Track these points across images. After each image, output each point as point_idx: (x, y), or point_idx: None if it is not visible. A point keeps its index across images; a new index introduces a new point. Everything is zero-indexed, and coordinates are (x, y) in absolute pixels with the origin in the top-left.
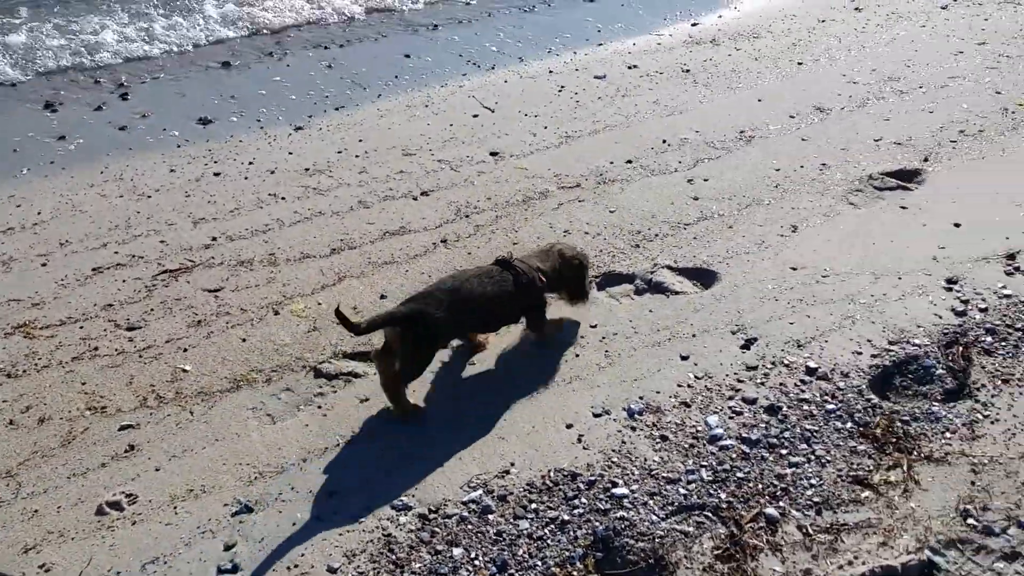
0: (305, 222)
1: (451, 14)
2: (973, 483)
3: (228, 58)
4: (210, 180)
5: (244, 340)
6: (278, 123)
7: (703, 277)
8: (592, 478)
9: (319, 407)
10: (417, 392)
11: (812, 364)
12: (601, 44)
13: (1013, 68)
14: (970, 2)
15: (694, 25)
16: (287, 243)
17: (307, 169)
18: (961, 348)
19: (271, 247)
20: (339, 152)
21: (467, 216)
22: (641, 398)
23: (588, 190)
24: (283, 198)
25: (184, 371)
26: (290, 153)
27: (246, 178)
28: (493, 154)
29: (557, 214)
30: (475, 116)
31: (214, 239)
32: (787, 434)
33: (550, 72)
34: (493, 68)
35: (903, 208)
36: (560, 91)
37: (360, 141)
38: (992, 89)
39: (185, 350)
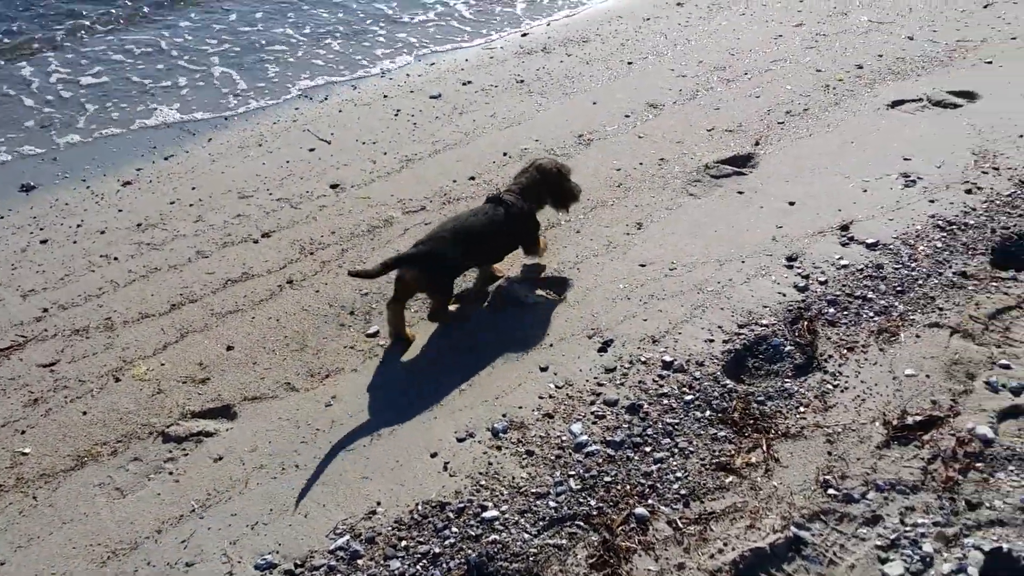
0: (141, 280)
1: (282, 43)
2: (830, 453)
3: (44, 121)
4: (37, 249)
5: (85, 413)
6: (104, 180)
7: (555, 285)
8: (461, 505)
9: (170, 473)
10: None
11: (668, 358)
12: (433, 64)
13: (830, 46)
14: None
15: (524, 35)
16: (123, 305)
17: (139, 224)
18: (806, 323)
19: (107, 311)
20: (172, 203)
21: (312, 253)
22: (504, 416)
23: (434, 212)
24: (116, 258)
25: (23, 454)
26: (120, 210)
27: (75, 242)
28: (333, 187)
29: (405, 240)
30: (311, 150)
31: (45, 310)
32: (650, 431)
33: (385, 97)
34: (326, 99)
35: (740, 193)
36: (396, 115)
37: (193, 189)
38: (813, 68)
39: (23, 432)
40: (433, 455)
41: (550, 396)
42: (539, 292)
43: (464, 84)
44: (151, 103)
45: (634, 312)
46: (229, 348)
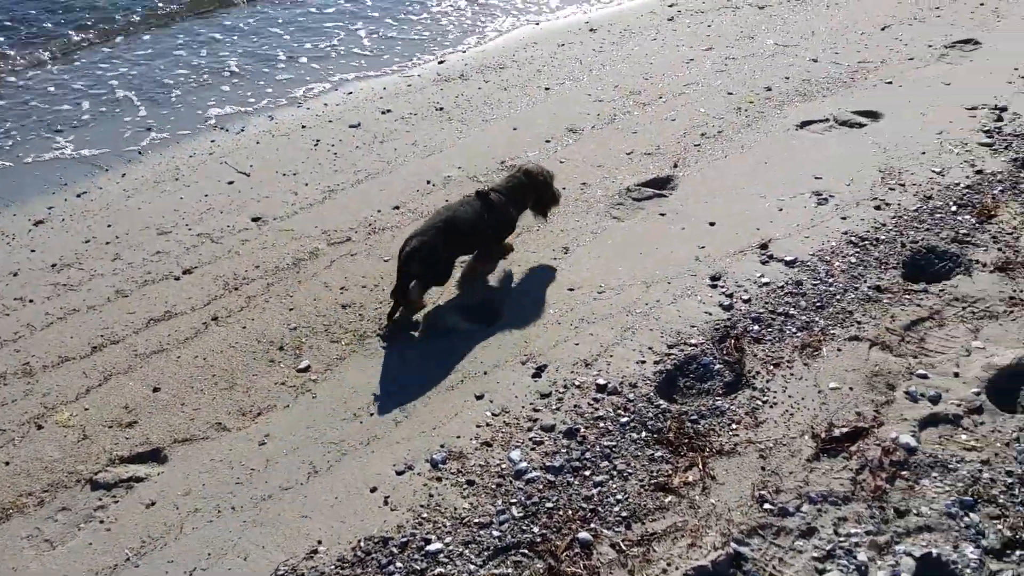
0: (59, 323)
1: (188, 74)
2: (763, 468)
3: None
4: None
5: (7, 463)
6: (14, 219)
7: (486, 314)
8: (404, 539)
9: (101, 521)
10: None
11: (602, 381)
12: (351, 93)
13: (739, 69)
14: (692, 12)
15: (441, 63)
16: (42, 349)
17: (54, 265)
18: (733, 341)
19: (24, 356)
20: (87, 241)
21: (236, 288)
22: (443, 446)
23: (359, 242)
24: (31, 300)
25: None
26: (32, 251)
27: None
28: (255, 220)
29: (331, 272)
30: (230, 183)
31: None
32: (588, 455)
33: (303, 127)
34: (243, 130)
35: (662, 215)
36: (316, 145)
37: (109, 226)
38: (724, 91)
39: None
40: (373, 489)
41: (487, 424)
42: (470, 320)
43: (384, 113)
44: (58, 138)
45: (566, 336)
46: (155, 390)
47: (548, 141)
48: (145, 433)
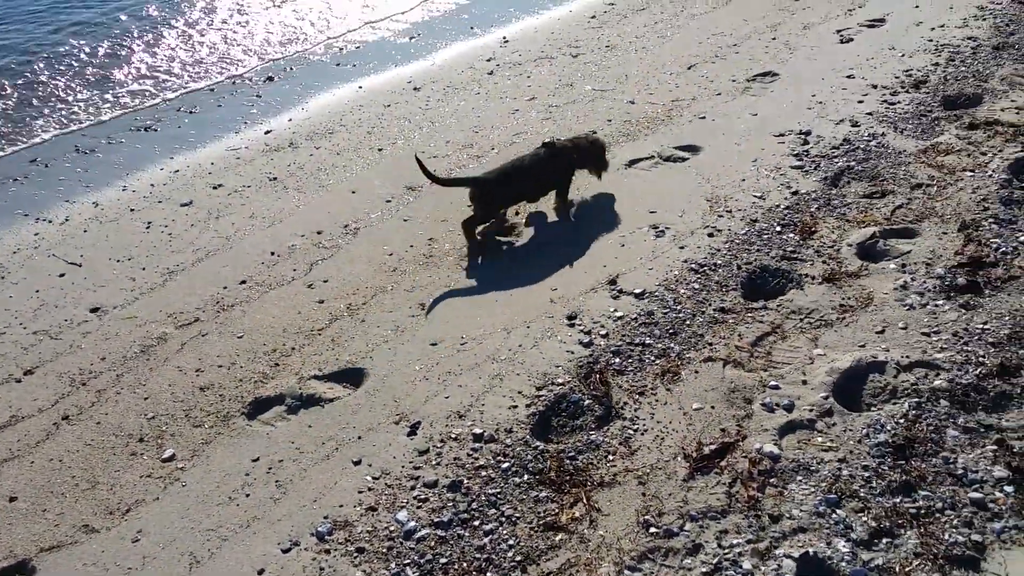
0: None
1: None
2: (644, 494)
3: None
4: None
5: None
6: None
7: (352, 377)
8: None
9: None
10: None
11: (477, 430)
12: (177, 171)
13: (563, 116)
14: (511, 64)
15: (267, 133)
16: None
17: None
18: (597, 375)
19: None
20: None
21: (84, 384)
22: (326, 518)
23: (209, 322)
24: None
25: None
26: None
27: None
28: (94, 310)
29: (183, 356)
30: (62, 275)
31: None
32: (475, 505)
33: (132, 210)
34: (67, 220)
35: (512, 260)
36: (148, 227)
37: None
38: (551, 137)
39: None
40: (260, 572)
41: (369, 489)
42: (335, 386)
43: (215, 188)
44: None
45: (435, 391)
46: (12, 499)
47: (389, 201)
48: (8, 546)
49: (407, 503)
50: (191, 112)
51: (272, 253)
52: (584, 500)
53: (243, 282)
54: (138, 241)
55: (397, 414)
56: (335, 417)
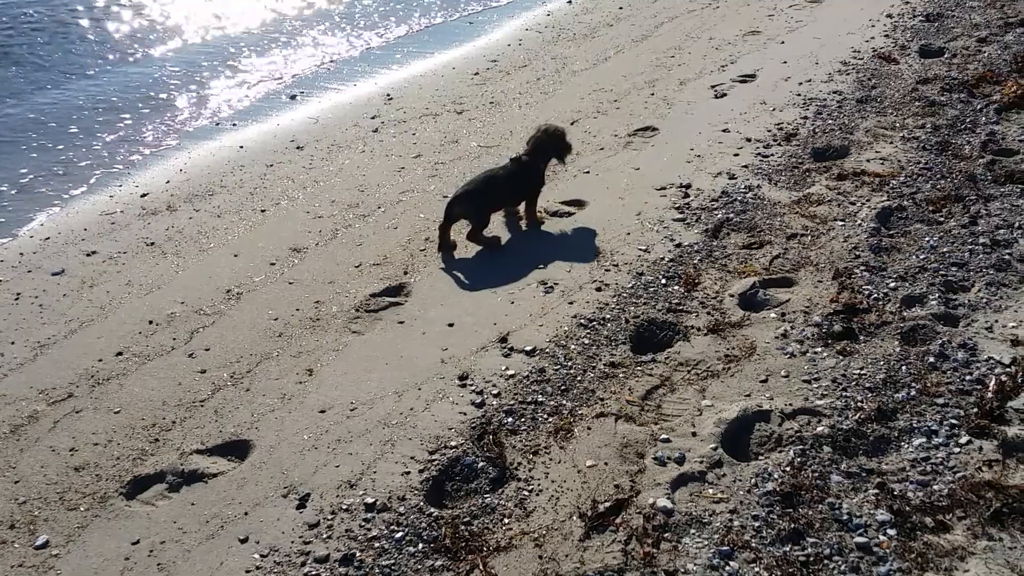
0: None
1: None
2: (541, 557)
3: None
4: None
5: None
6: None
7: (237, 450)
8: None
9: None
10: None
11: (369, 499)
12: (48, 238)
13: (450, 172)
14: (395, 122)
15: (144, 196)
16: None
17: None
18: (491, 436)
19: None
20: None
21: None
22: None
23: (83, 397)
24: None
25: None
26: None
27: None
28: None
29: (56, 435)
30: None
31: None
32: None
33: None
34: None
35: (401, 323)
36: (17, 299)
37: None
38: (439, 194)
39: None
40: None
41: (257, 567)
42: (219, 460)
43: (89, 255)
44: None
45: (325, 461)
46: None
47: (273, 264)
48: None
49: None
50: (63, 175)
51: (150, 322)
52: (481, 567)
53: (119, 353)
54: (6, 314)
55: (285, 487)
56: (220, 493)
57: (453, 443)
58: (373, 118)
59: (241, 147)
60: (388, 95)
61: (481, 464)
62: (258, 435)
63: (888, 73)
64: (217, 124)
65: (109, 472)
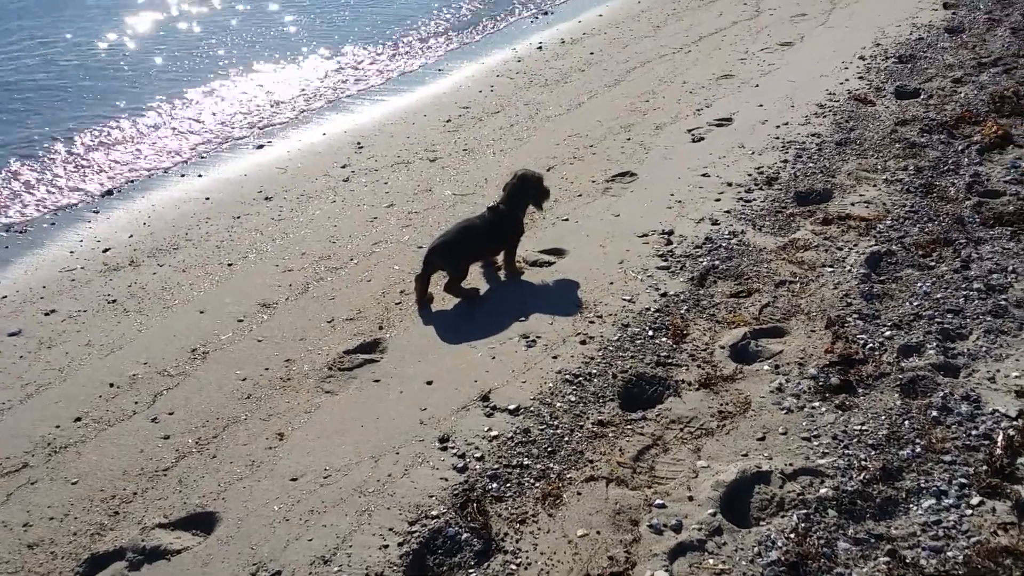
0: None
1: None
2: None
3: None
4: None
5: None
6: None
7: (202, 523)
8: None
9: None
10: None
11: None
12: (5, 296)
13: (423, 222)
14: (367, 171)
15: (106, 251)
16: None
17: None
18: (474, 504)
19: None
20: None
21: None
22: None
23: (39, 467)
24: None
25: None
26: None
27: None
28: None
29: (9, 508)
30: None
31: None
32: None
33: None
34: None
35: (377, 381)
36: None
37: None
38: (414, 245)
39: None
40: None
41: None
42: (183, 534)
43: (47, 314)
44: None
45: (297, 534)
46: None
47: (241, 320)
48: None
49: None
50: (22, 232)
51: (111, 385)
52: None
53: (78, 419)
54: None
55: (254, 563)
56: (183, 571)
57: (434, 512)
58: (343, 167)
59: (207, 198)
60: (358, 143)
61: (465, 535)
62: (225, 506)
63: (865, 115)
64: (183, 176)
65: (65, 550)
